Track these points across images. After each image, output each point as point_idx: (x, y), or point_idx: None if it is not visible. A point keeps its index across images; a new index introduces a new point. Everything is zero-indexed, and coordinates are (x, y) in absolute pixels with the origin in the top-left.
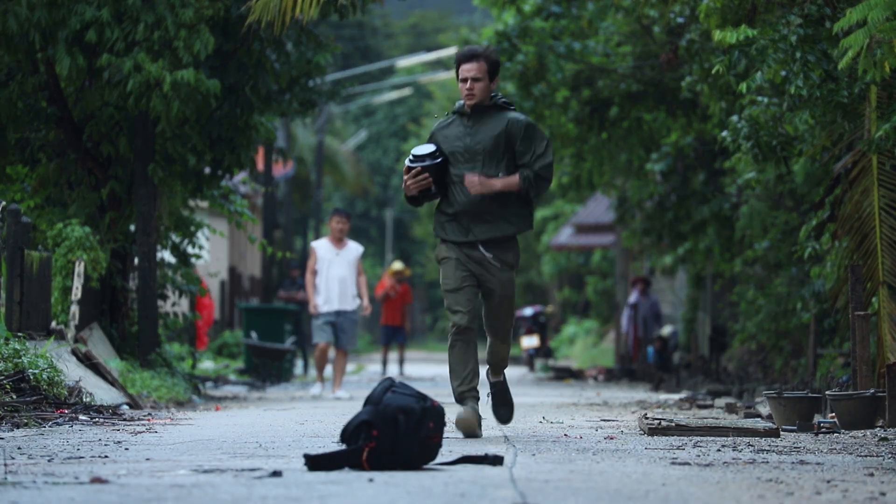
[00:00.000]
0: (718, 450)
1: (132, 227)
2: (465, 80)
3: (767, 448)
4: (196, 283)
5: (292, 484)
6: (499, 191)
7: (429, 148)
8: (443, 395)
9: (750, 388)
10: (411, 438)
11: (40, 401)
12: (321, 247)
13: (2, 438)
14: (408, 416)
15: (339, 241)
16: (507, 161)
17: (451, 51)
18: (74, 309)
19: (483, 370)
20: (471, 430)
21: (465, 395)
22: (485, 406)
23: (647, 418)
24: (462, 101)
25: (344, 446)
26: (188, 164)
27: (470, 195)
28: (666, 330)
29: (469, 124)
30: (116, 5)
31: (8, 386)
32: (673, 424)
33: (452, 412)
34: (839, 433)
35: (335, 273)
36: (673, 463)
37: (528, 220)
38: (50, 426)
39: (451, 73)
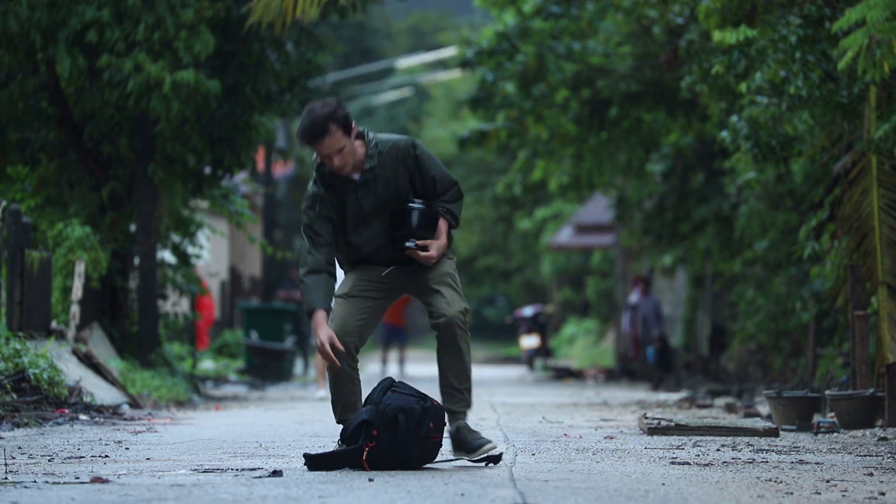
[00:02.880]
0: (718, 449)
1: (132, 227)
2: (328, 158)
3: (767, 448)
4: (196, 282)
5: (292, 483)
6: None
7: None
8: None
9: (749, 388)
10: (411, 438)
11: (41, 400)
12: None
13: (2, 438)
14: (408, 416)
15: None
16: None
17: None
18: (75, 309)
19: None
20: None
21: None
22: (485, 405)
23: (646, 418)
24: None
25: (344, 446)
26: (188, 164)
27: (380, 241)
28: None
29: (351, 188)
30: (117, 6)
31: (8, 386)
32: (672, 424)
33: None
34: (839, 433)
35: (340, 273)
36: (672, 463)
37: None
38: (50, 426)
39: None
